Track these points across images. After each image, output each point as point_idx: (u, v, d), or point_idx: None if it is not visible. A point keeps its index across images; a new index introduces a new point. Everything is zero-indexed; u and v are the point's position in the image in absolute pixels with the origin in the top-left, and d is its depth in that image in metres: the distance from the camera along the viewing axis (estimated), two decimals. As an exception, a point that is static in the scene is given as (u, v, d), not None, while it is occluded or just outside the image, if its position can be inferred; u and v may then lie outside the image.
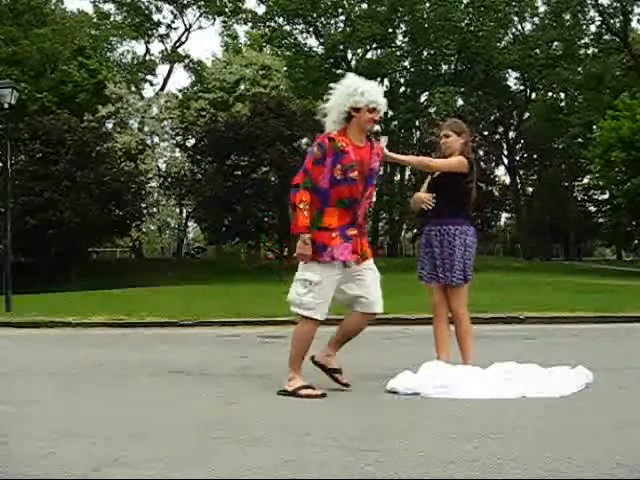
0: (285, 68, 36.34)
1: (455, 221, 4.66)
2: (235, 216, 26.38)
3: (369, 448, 2.93)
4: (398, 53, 41.69)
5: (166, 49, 45.19)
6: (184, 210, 36.49)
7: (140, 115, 33.13)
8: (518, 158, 45.63)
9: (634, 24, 40.30)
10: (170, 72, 45.14)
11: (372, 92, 4.19)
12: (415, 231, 34.29)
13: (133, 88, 36.60)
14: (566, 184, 44.91)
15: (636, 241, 34.15)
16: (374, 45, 41.74)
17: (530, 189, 48.19)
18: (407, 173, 43.50)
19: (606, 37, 40.05)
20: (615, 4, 38.02)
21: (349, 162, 4.12)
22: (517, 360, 4.59)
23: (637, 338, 7.58)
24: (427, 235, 4.77)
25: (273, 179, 26.98)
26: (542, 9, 41.85)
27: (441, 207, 4.66)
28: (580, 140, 36.26)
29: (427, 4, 38.96)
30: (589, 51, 41.42)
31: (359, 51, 42.35)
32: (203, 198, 27.01)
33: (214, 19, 44.87)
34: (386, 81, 44.07)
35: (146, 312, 10.58)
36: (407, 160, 5.54)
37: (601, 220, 41.00)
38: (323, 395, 4.09)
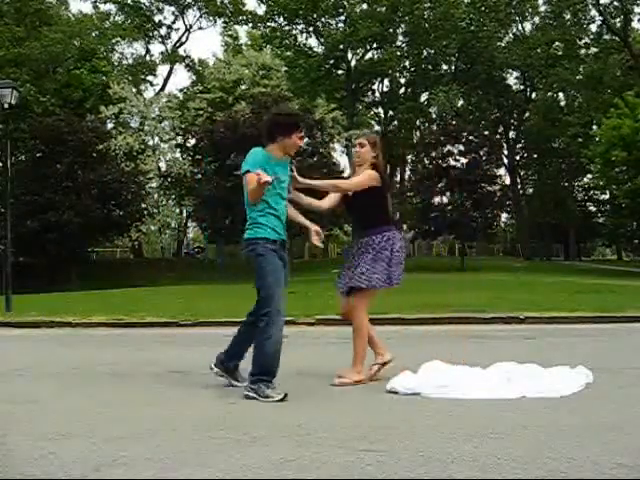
0: (285, 68, 36.34)
1: (380, 230, 4.71)
2: (235, 216, 26.34)
3: (369, 448, 2.93)
4: (398, 53, 41.68)
5: (166, 50, 45.24)
6: (184, 210, 36.49)
7: (141, 116, 33.12)
8: (518, 158, 45.63)
9: (635, 24, 40.34)
10: (170, 72, 45.23)
11: None
12: (416, 230, 34.24)
13: (134, 89, 36.58)
14: (566, 184, 44.89)
15: (636, 241, 34.14)
16: (374, 45, 41.72)
17: (530, 189, 48.16)
18: (407, 174, 43.55)
19: (606, 37, 40.04)
20: (615, 3, 38.01)
21: None
22: (517, 360, 4.60)
23: (637, 338, 7.58)
24: (350, 248, 4.87)
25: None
26: (543, 8, 41.88)
27: (364, 220, 4.75)
28: (580, 140, 36.26)
29: (427, 4, 38.93)
30: (589, 51, 41.41)
31: (359, 51, 42.33)
32: (202, 198, 27.00)
33: (215, 20, 44.94)
34: (386, 81, 44.16)
35: (146, 312, 10.58)
36: (318, 185, 4.92)
37: (601, 220, 41.04)
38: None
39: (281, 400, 4.08)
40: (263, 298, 4.29)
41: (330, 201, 4.91)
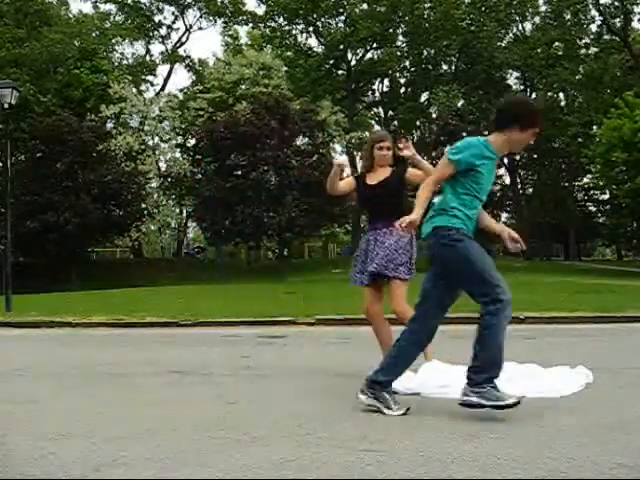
0: (285, 68, 36.34)
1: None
2: (235, 216, 26.42)
3: (369, 448, 2.93)
4: (398, 53, 41.68)
5: (166, 50, 45.26)
6: (184, 210, 36.51)
7: (141, 116, 33.14)
8: (518, 158, 45.63)
9: (635, 24, 40.35)
10: (170, 73, 45.24)
11: None
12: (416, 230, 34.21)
13: (134, 89, 36.62)
14: (566, 184, 44.92)
15: (636, 241, 34.15)
16: (374, 45, 41.74)
17: (530, 189, 48.20)
18: (407, 174, 43.47)
19: (606, 37, 40.05)
20: (616, 3, 37.99)
21: None
22: (517, 360, 4.59)
23: (637, 338, 7.58)
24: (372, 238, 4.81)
25: (273, 179, 26.97)
26: (543, 8, 41.88)
27: (392, 210, 4.71)
28: (580, 140, 36.27)
29: (427, 4, 38.93)
30: (589, 51, 41.41)
31: (359, 51, 42.35)
32: (202, 198, 27.02)
33: (215, 20, 44.94)
34: (386, 81, 44.16)
35: (146, 312, 10.59)
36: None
37: (601, 220, 41.05)
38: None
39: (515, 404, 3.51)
40: (480, 284, 3.63)
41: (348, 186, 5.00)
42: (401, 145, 4.69)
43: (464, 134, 32.02)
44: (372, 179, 4.95)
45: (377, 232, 4.77)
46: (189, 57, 45.77)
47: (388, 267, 4.64)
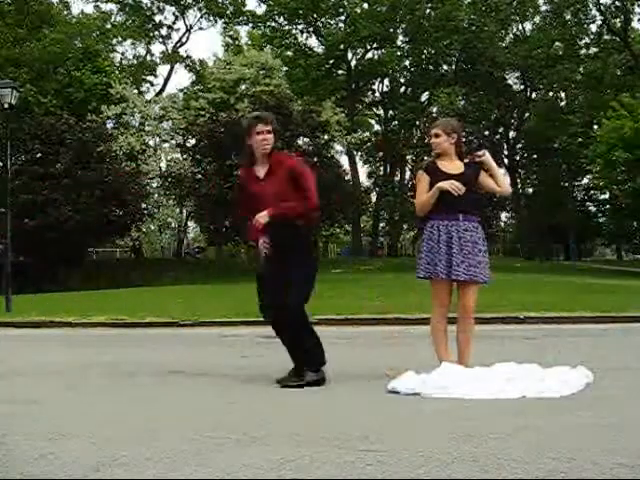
0: (285, 68, 36.30)
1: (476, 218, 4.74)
2: (235, 216, 26.35)
3: (369, 448, 2.93)
4: (398, 53, 41.67)
5: (167, 50, 45.25)
6: (184, 210, 36.49)
7: (142, 116, 33.12)
8: (518, 158, 45.63)
9: (635, 24, 40.30)
10: (170, 73, 45.21)
11: None
12: (417, 231, 34.21)
13: (135, 90, 36.61)
14: (566, 184, 44.90)
15: (636, 241, 34.16)
16: (374, 45, 41.73)
17: (530, 189, 48.19)
18: (407, 174, 43.52)
19: (606, 37, 40.04)
20: (617, 3, 37.97)
21: None
22: (517, 360, 4.59)
23: (637, 338, 7.57)
24: (456, 230, 4.59)
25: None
26: (543, 8, 41.88)
27: (470, 203, 4.69)
28: (580, 140, 36.25)
29: (428, 4, 38.92)
30: (589, 51, 41.41)
31: (359, 51, 42.34)
32: (202, 198, 26.98)
33: (215, 21, 44.92)
34: (386, 81, 44.16)
35: (146, 312, 10.58)
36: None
37: (601, 220, 41.04)
38: None
39: None
40: None
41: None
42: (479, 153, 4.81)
43: (463, 133, 32.00)
44: (448, 168, 4.76)
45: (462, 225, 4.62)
46: (189, 57, 45.80)
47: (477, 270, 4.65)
